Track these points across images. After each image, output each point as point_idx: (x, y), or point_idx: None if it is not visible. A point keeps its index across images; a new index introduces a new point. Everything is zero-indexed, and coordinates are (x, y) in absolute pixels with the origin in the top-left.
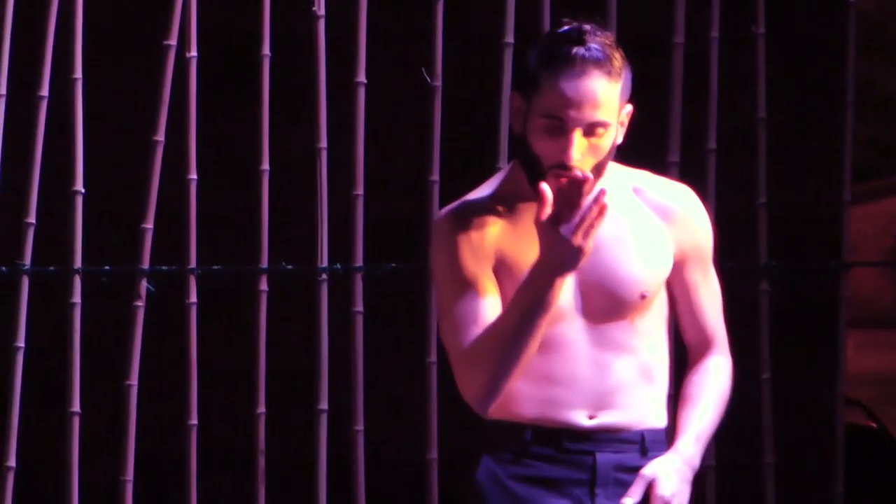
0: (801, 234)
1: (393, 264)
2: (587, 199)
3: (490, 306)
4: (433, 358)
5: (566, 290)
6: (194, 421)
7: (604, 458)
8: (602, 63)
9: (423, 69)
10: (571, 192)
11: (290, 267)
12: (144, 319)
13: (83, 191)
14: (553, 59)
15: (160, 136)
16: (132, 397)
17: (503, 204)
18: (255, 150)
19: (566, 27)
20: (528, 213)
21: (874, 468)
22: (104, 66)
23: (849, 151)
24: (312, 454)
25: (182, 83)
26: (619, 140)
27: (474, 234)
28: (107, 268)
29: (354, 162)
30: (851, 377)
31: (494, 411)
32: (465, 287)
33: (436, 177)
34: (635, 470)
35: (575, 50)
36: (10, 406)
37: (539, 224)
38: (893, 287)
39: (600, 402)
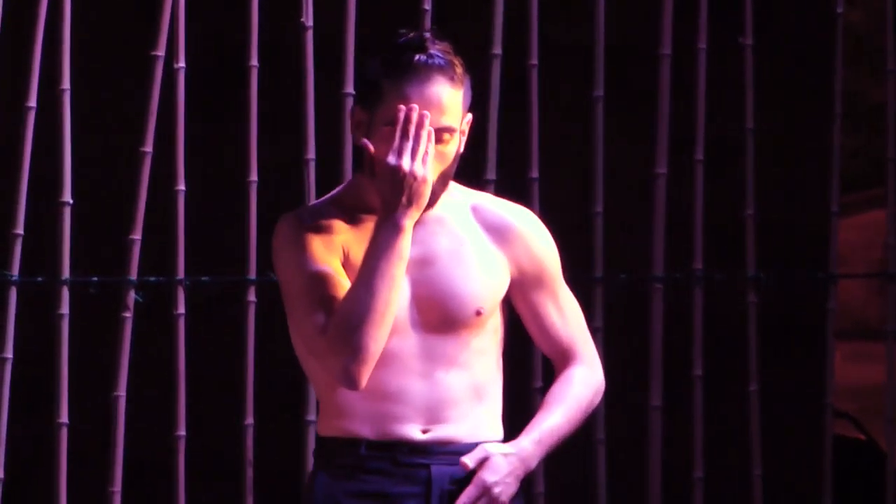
0: (788, 245)
1: None
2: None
3: (344, 287)
4: None
5: (401, 304)
6: (182, 432)
7: (438, 470)
8: (445, 69)
9: None
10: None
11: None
12: (132, 330)
13: (71, 201)
14: (395, 67)
15: (148, 147)
16: (120, 408)
17: (345, 210)
18: (242, 161)
19: (404, 36)
20: (369, 220)
21: (862, 480)
22: (92, 77)
23: (836, 162)
24: (301, 465)
25: (170, 94)
26: (461, 149)
27: (321, 229)
28: (95, 278)
29: (342, 173)
30: (839, 389)
31: (328, 428)
32: (318, 273)
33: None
34: (469, 481)
35: (417, 57)
36: None
37: (379, 166)
38: (881, 299)
39: (433, 416)
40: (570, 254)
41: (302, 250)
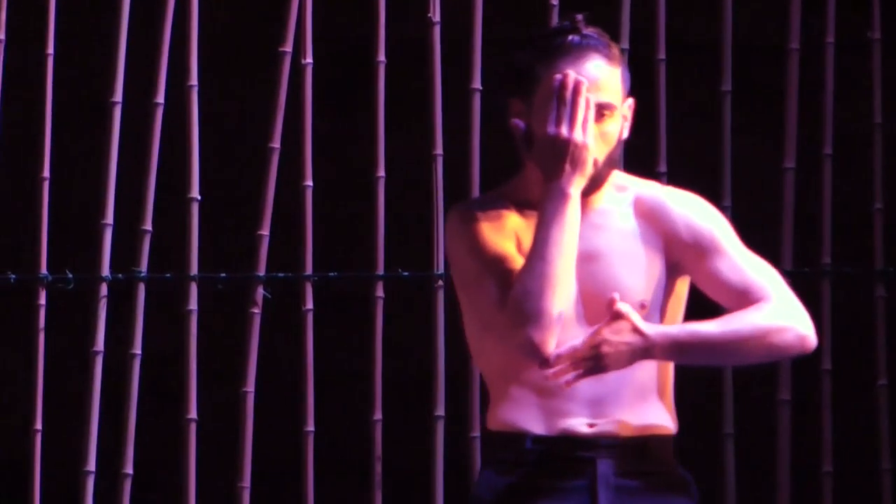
0: None
1: None
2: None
3: (519, 265)
4: None
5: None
6: (311, 427)
7: (604, 465)
8: (600, 47)
9: None
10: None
11: (406, 274)
12: (260, 326)
13: (199, 197)
14: (548, 50)
15: (276, 143)
16: (249, 404)
17: (513, 202)
18: (370, 157)
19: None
20: (536, 213)
21: None
22: (220, 73)
23: None
24: (430, 461)
25: (297, 90)
26: (626, 135)
27: (491, 217)
28: (223, 275)
29: (470, 168)
30: None
31: (493, 423)
32: (493, 253)
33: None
34: (637, 476)
35: (571, 37)
36: (127, 413)
37: (538, 138)
38: None
39: (599, 410)
40: None
41: (475, 235)
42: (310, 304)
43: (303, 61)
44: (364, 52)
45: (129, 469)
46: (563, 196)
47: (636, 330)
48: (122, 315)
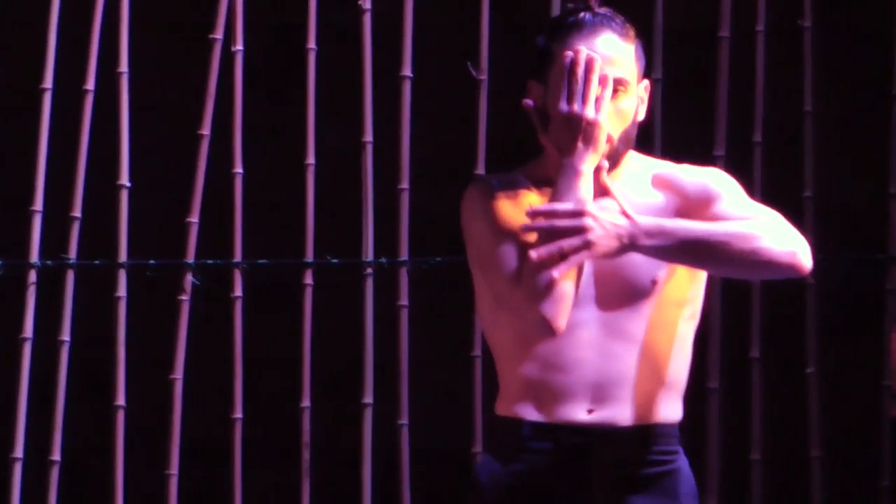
0: (847, 227)
1: (438, 258)
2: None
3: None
4: (477, 352)
5: (583, 278)
6: (240, 415)
7: (602, 453)
8: (613, 24)
9: (469, 63)
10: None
11: (335, 261)
12: (189, 313)
13: (129, 184)
14: (562, 29)
15: (206, 130)
16: (177, 391)
17: (532, 181)
18: (300, 144)
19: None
20: None
21: None
22: (150, 60)
23: (894, 143)
24: (358, 448)
25: (228, 77)
26: (642, 116)
27: (510, 194)
28: (152, 262)
29: (400, 156)
30: None
31: (499, 407)
32: (510, 229)
33: (481, 170)
34: (636, 465)
35: (583, 15)
36: (56, 400)
37: (552, 116)
38: None
39: (602, 394)
40: None
41: (493, 210)
42: (239, 291)
43: (233, 48)
44: (295, 39)
45: (58, 456)
46: (575, 173)
47: (623, 212)
48: (52, 302)
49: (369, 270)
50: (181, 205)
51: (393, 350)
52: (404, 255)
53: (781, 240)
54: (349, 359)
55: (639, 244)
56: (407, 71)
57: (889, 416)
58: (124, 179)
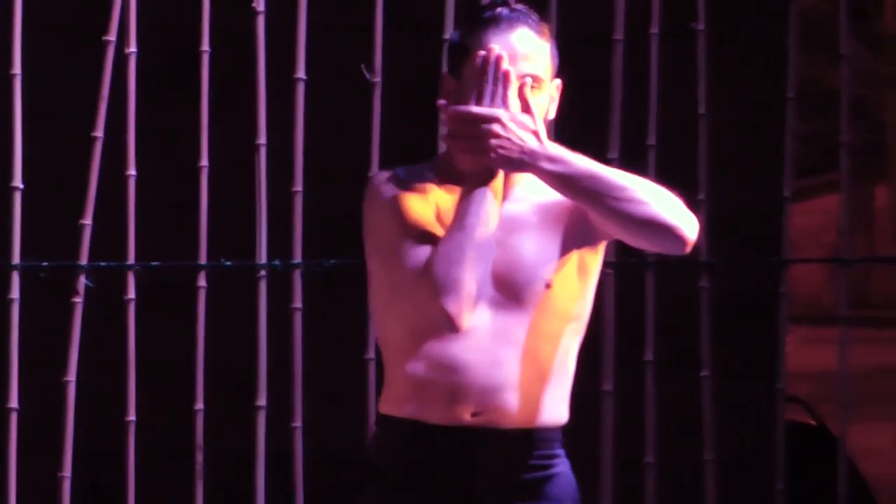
0: (741, 230)
1: (332, 260)
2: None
3: (439, 235)
4: (371, 354)
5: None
6: (132, 417)
7: (484, 455)
8: (528, 21)
9: (363, 66)
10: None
11: (229, 263)
12: (83, 315)
13: (22, 186)
14: (479, 24)
15: (99, 132)
16: (70, 393)
17: (438, 174)
18: (194, 146)
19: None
20: (459, 188)
21: (814, 465)
22: (43, 62)
23: (790, 147)
24: (251, 450)
25: (121, 79)
26: (552, 115)
27: (415, 186)
28: (45, 263)
29: (294, 158)
30: (792, 374)
31: (384, 405)
32: (415, 220)
33: (376, 172)
34: (517, 468)
35: (500, 10)
36: None
37: (458, 111)
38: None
39: (488, 398)
40: None
41: (399, 200)
42: (132, 294)
43: (127, 50)
44: (188, 41)
45: None
46: (485, 170)
47: (535, 133)
48: None
49: (263, 273)
50: (74, 206)
51: (286, 352)
52: (298, 257)
53: (673, 207)
54: (243, 361)
55: (538, 165)
56: (300, 73)
57: (783, 418)
58: (17, 181)
